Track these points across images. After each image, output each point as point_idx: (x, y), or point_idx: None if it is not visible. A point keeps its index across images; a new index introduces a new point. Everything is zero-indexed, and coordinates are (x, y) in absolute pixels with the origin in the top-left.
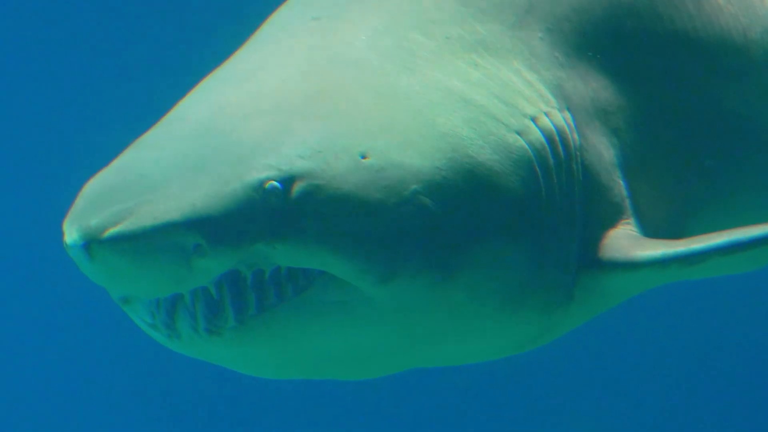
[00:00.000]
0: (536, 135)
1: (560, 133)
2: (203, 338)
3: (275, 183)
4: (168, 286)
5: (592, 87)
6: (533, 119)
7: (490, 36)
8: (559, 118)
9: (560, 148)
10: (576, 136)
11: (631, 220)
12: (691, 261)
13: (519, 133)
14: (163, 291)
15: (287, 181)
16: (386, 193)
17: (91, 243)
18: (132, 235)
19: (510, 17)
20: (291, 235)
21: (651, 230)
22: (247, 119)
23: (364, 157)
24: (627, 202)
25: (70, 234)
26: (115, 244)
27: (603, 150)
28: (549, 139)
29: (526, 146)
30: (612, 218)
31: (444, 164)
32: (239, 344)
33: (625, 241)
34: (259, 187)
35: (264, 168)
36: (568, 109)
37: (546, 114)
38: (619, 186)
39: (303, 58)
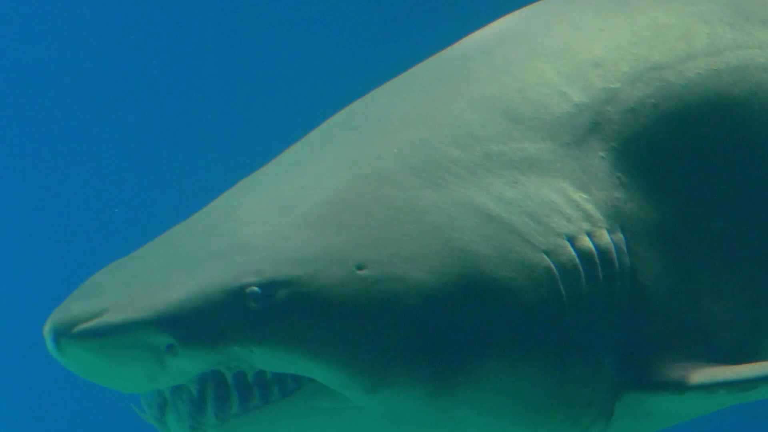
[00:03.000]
0: (569, 255)
1: (604, 254)
2: None
3: (255, 288)
4: (142, 383)
5: (659, 210)
6: (570, 239)
7: (539, 154)
8: (605, 239)
9: (600, 270)
10: (627, 258)
11: (690, 345)
12: (741, 387)
13: (547, 253)
14: (139, 388)
15: (269, 286)
16: (379, 306)
17: (60, 337)
18: (101, 332)
19: (566, 136)
20: (267, 340)
21: (721, 356)
22: (250, 224)
23: (360, 268)
24: (687, 327)
25: (46, 326)
26: (83, 341)
27: (663, 271)
28: (586, 259)
29: (553, 266)
30: (667, 341)
31: (451, 280)
32: None
33: (675, 364)
34: (239, 291)
35: (247, 273)
36: (623, 231)
37: (589, 234)
38: (678, 311)
39: (327, 169)
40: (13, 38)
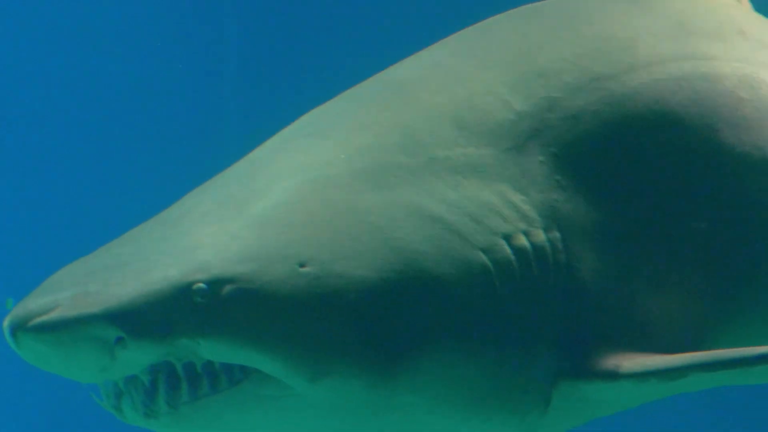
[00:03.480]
0: (505, 253)
1: (539, 251)
2: (142, 420)
3: (202, 284)
4: (95, 374)
5: (597, 210)
6: (506, 237)
7: (481, 159)
8: (541, 238)
9: (535, 266)
10: (563, 255)
11: (626, 336)
12: (671, 376)
13: (484, 251)
14: (92, 378)
15: (215, 283)
16: (319, 301)
17: (17, 330)
18: (52, 325)
19: (508, 142)
20: (213, 333)
21: (659, 348)
22: (203, 224)
23: (302, 265)
24: (622, 320)
25: (5, 320)
26: (37, 334)
27: (598, 267)
28: (522, 256)
29: (489, 263)
30: (602, 333)
31: (390, 276)
32: (173, 427)
33: (609, 354)
34: (186, 287)
35: (194, 270)
36: (559, 230)
37: (525, 233)
38: (614, 304)
39: (277, 173)
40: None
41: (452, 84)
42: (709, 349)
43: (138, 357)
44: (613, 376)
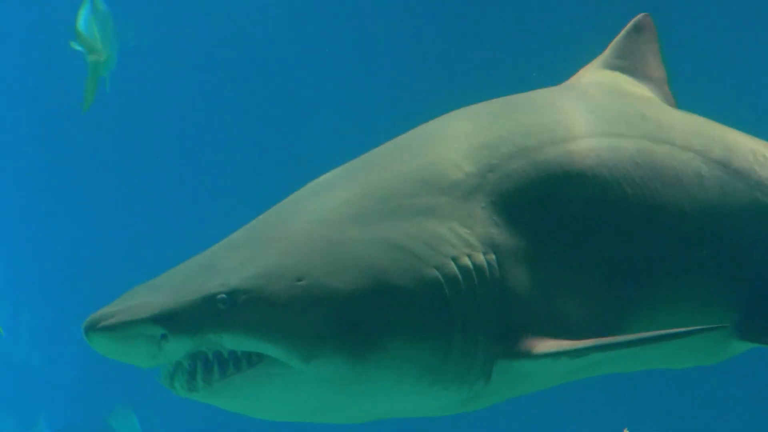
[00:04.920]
0: (452, 269)
1: (478, 268)
2: (187, 393)
3: (224, 295)
4: (147, 360)
5: (523, 239)
6: (454, 259)
7: (438, 205)
8: (480, 259)
9: (475, 277)
10: (497, 270)
11: (546, 325)
12: (575, 354)
13: (437, 268)
14: (146, 363)
15: (233, 293)
16: (311, 304)
17: (89, 331)
18: (115, 327)
19: (459, 193)
20: (232, 329)
21: (578, 337)
22: (231, 252)
23: (299, 280)
24: (544, 316)
25: (83, 324)
26: (104, 333)
27: (523, 279)
28: (465, 272)
29: (441, 276)
30: (527, 325)
31: (364, 287)
32: (211, 398)
33: (533, 339)
34: (212, 297)
35: (219, 285)
36: (495, 253)
37: (468, 256)
38: (536, 305)
39: (289, 216)
40: None
41: (419, 155)
42: None
43: (178, 348)
44: (535, 355)
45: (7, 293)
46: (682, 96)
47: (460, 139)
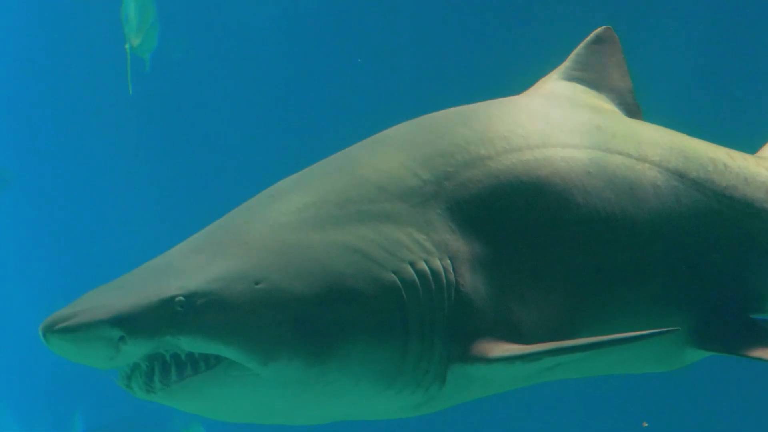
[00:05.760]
0: (409, 273)
1: (434, 272)
2: (144, 394)
3: (182, 298)
4: (105, 362)
5: (478, 245)
6: (411, 263)
7: (395, 211)
8: (437, 264)
9: (431, 281)
10: (453, 275)
11: (501, 330)
12: (529, 359)
13: (394, 272)
14: (104, 365)
15: (191, 297)
16: (269, 308)
17: (46, 333)
18: (72, 329)
19: (415, 200)
20: (189, 332)
21: (527, 341)
22: (189, 256)
23: (257, 283)
24: (497, 321)
25: (40, 326)
26: (61, 335)
27: (478, 285)
28: (422, 276)
29: (398, 280)
30: (481, 330)
31: (322, 291)
32: (168, 400)
33: (486, 344)
34: (170, 300)
35: (176, 288)
36: (450, 259)
37: (425, 260)
38: (490, 310)
39: (248, 220)
40: None
41: (377, 161)
42: None
43: (135, 350)
44: (489, 360)
45: (43, 293)
46: (663, 104)
47: (417, 147)
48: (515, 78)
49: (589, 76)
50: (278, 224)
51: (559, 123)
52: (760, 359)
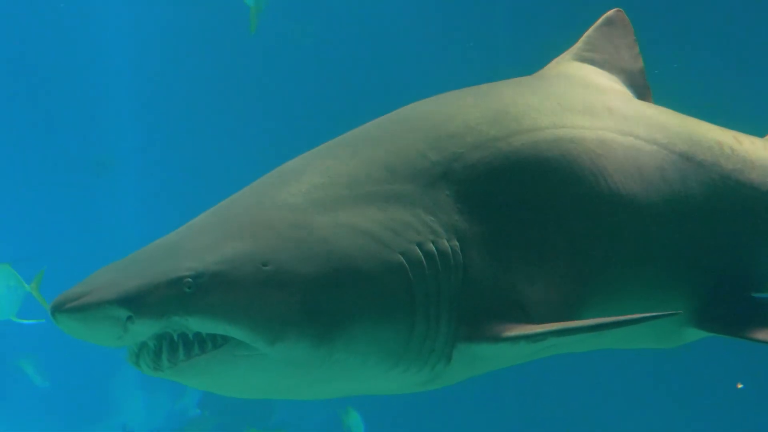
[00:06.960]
0: (417, 254)
1: (442, 253)
2: (152, 371)
3: (189, 278)
4: (113, 341)
5: (486, 226)
6: (419, 245)
7: (404, 192)
8: (444, 245)
9: (438, 263)
10: (460, 256)
11: (507, 310)
12: (534, 339)
13: (402, 254)
14: (112, 344)
15: (199, 277)
16: (276, 288)
17: (56, 312)
18: (80, 308)
19: (424, 181)
20: (197, 312)
21: (532, 321)
22: (198, 236)
23: (265, 265)
24: (503, 300)
25: (51, 305)
26: (70, 314)
27: (485, 265)
28: (429, 257)
29: (405, 262)
30: (488, 309)
31: (329, 271)
32: (175, 378)
33: (493, 323)
34: (178, 280)
35: (185, 269)
36: (458, 240)
37: (432, 242)
38: (496, 289)
39: (257, 201)
40: None
41: (387, 142)
42: None
43: (144, 330)
44: (495, 338)
45: None
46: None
47: (426, 128)
48: (529, 59)
49: (600, 57)
50: (286, 205)
51: (570, 104)
52: (759, 341)
